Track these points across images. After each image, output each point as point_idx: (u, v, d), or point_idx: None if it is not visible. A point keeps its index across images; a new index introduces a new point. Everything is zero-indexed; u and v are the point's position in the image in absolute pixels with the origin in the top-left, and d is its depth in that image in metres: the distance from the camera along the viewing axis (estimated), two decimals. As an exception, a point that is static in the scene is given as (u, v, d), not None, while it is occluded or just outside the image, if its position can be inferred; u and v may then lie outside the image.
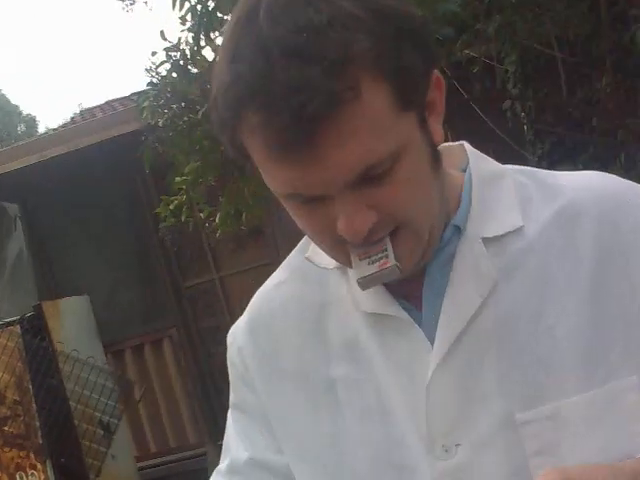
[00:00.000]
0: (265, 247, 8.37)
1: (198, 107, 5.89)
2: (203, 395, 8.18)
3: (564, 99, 5.31)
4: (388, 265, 0.96)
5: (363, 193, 0.93)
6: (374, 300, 1.07)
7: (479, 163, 1.12)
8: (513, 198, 1.08)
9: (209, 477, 1.17)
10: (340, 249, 1.00)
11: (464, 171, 1.12)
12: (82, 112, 11.49)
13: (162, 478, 7.62)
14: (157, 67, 6.15)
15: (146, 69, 6.19)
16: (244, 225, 6.17)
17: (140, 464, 7.38)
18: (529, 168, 1.14)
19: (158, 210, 6.36)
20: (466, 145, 1.16)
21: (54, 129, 9.32)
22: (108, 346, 7.68)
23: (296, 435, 1.12)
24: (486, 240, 1.05)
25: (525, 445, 0.99)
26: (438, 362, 1.02)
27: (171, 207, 6.15)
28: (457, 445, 1.01)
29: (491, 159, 1.14)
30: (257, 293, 1.20)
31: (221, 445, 1.21)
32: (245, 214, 5.97)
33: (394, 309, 1.06)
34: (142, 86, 6.57)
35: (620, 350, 1.00)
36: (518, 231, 1.05)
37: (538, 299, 1.03)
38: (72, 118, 11.44)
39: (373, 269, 0.97)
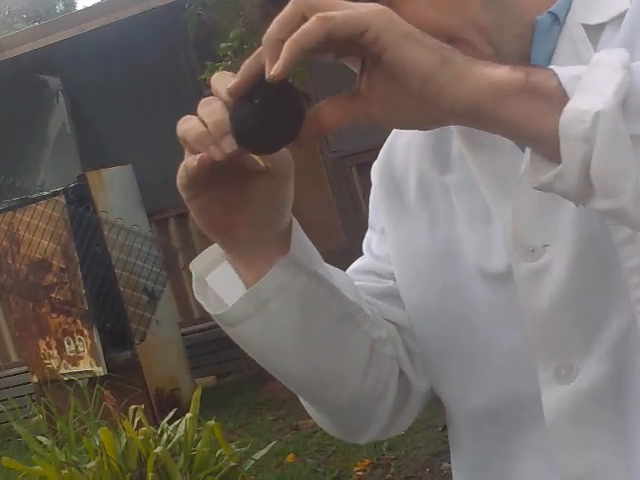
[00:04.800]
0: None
1: (244, -29, 5.80)
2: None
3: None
4: None
5: None
6: None
7: None
8: None
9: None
10: None
11: None
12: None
13: (205, 343, 7.77)
14: None
15: None
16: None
17: (184, 329, 7.55)
18: None
19: (203, 76, 6.32)
20: None
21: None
22: (152, 215, 7.75)
23: (412, 248, 1.14)
24: (587, 27, 0.99)
25: (612, 235, 0.93)
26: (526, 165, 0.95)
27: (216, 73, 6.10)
28: (545, 246, 0.98)
29: None
30: None
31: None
32: (291, 79, 5.94)
33: None
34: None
35: None
36: (621, 16, 0.97)
37: None
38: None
39: None
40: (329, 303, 1.03)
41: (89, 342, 6.48)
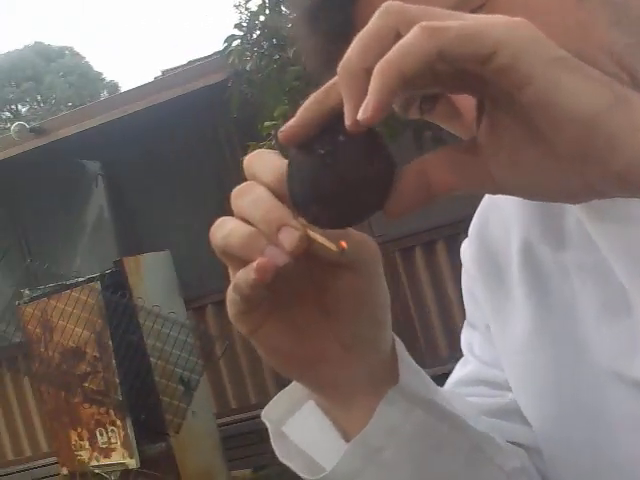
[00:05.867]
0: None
1: (289, 46, 5.75)
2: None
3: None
4: None
5: None
6: None
7: None
8: None
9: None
10: None
11: None
12: (164, 72, 11.45)
13: (242, 434, 7.55)
14: (247, 2, 6.05)
15: (235, 5, 6.12)
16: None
17: (220, 420, 7.31)
18: None
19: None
20: None
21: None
22: (189, 302, 7.62)
23: (519, 344, 0.91)
24: None
25: None
26: None
27: (259, 154, 6.05)
28: None
29: None
30: None
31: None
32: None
33: None
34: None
35: None
36: None
37: None
38: (155, 79, 11.46)
39: None
40: (453, 439, 0.79)
41: (122, 433, 6.28)
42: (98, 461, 6.34)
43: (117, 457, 6.29)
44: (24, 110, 39.65)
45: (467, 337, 1.04)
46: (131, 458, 6.20)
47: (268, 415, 0.80)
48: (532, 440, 0.91)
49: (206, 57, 10.12)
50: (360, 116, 0.53)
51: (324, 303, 0.72)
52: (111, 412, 6.34)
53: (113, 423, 6.35)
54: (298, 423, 0.79)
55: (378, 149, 0.58)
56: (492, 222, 0.97)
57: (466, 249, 1.01)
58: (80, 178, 9.13)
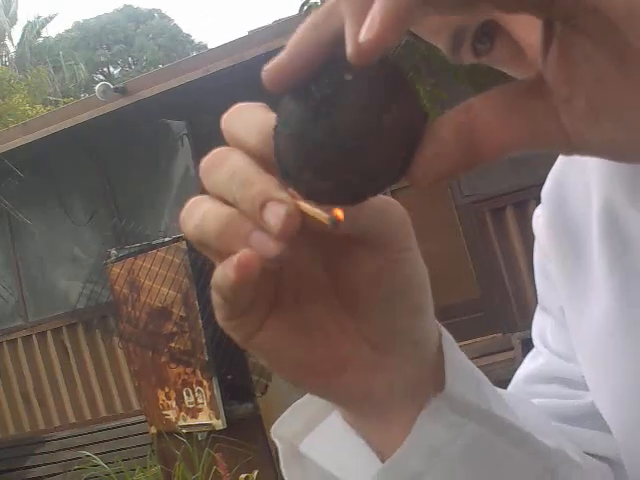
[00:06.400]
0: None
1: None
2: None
3: None
4: None
5: None
6: None
7: None
8: None
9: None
10: None
11: None
12: (250, 32, 11.44)
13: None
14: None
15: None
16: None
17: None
18: None
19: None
20: None
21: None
22: (276, 261, 7.58)
23: (598, 327, 0.74)
24: None
25: None
26: None
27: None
28: None
29: None
30: None
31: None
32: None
33: None
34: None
35: None
36: None
37: None
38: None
39: None
40: (516, 460, 0.61)
41: (209, 394, 6.27)
42: (185, 421, 6.34)
43: (204, 417, 6.28)
44: (116, 72, 40.16)
45: (539, 324, 0.88)
46: (217, 419, 6.18)
47: (279, 432, 0.64)
48: (616, 451, 0.75)
49: (293, 16, 10.02)
50: (362, 37, 0.37)
51: (342, 292, 0.56)
52: (198, 372, 6.33)
53: (200, 383, 6.34)
54: (320, 441, 0.63)
55: (399, 91, 0.41)
56: (571, 181, 0.79)
57: (538, 217, 0.84)
58: (166, 138, 9.13)
